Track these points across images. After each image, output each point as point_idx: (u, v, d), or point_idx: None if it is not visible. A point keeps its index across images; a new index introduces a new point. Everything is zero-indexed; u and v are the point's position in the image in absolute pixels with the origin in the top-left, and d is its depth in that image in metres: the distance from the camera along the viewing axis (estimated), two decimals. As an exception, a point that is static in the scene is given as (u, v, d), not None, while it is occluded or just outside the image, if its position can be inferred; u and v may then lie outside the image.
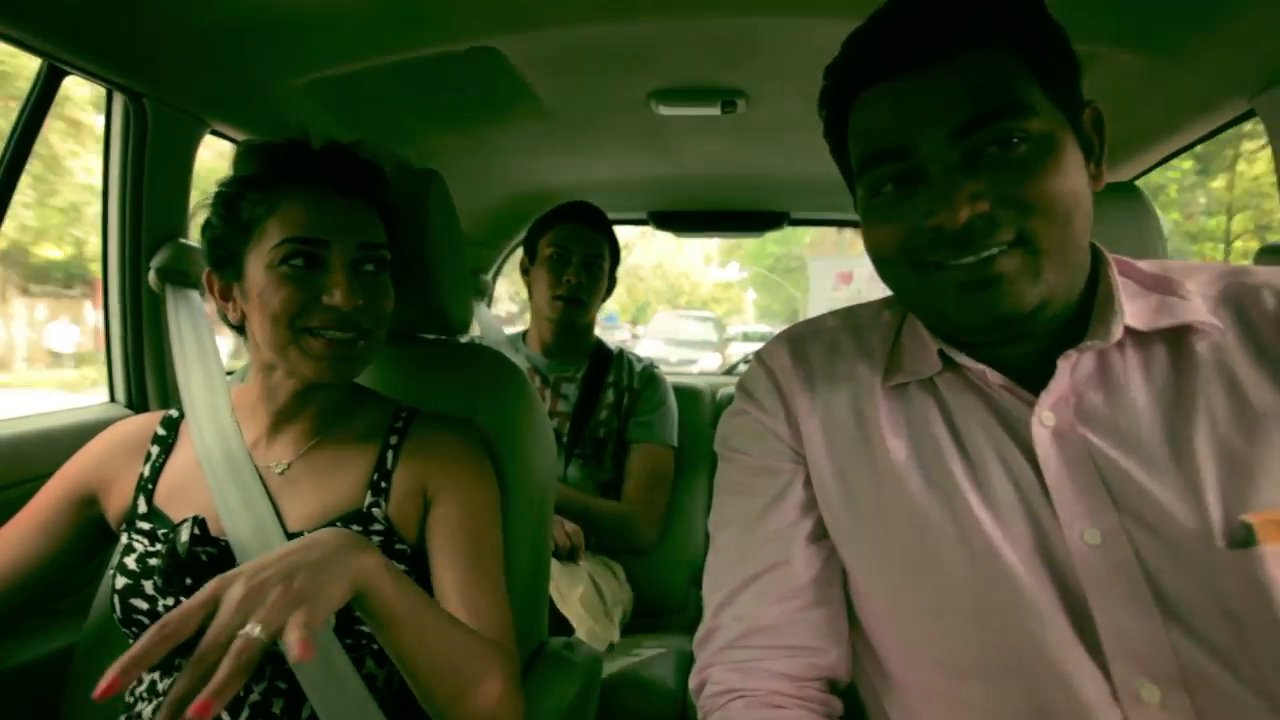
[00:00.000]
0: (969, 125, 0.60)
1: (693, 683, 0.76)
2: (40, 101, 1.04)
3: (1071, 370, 0.65)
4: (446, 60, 1.32)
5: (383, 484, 0.92)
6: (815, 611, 0.72)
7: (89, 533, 0.96)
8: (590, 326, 1.89)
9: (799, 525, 0.74)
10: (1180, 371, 0.64)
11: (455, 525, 0.91)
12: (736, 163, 2.08)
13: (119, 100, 1.17)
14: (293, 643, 0.61)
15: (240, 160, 0.91)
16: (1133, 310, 0.66)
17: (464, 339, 1.90)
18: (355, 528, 0.88)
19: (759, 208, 2.50)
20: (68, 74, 1.06)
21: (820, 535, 0.74)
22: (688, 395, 1.97)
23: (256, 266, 0.86)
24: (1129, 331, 0.65)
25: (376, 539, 0.89)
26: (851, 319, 0.81)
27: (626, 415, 1.80)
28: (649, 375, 1.85)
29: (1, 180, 1.02)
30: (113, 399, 1.31)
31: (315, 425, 0.96)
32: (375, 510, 0.91)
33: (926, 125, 0.61)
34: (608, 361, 1.85)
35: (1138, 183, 1.38)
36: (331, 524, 0.88)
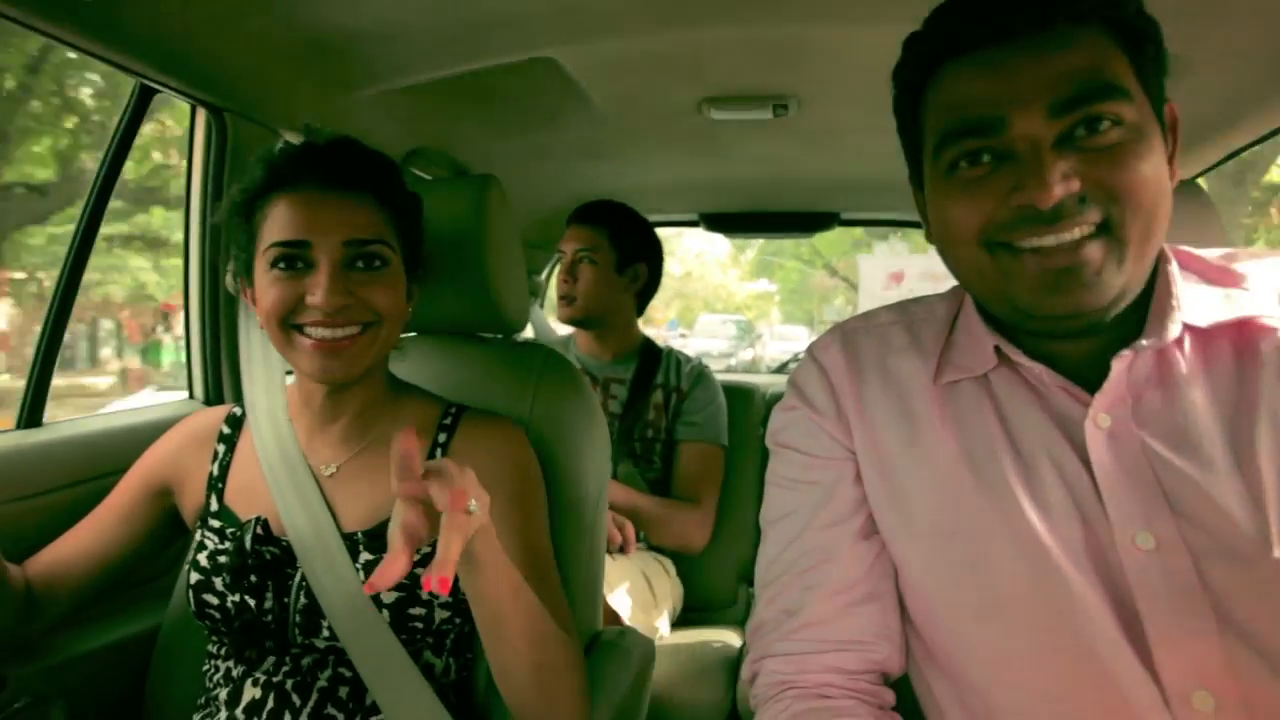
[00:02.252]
0: (1068, 103, 0.59)
1: (745, 673, 0.78)
2: (133, 119, 1.12)
3: (1129, 370, 0.64)
4: (506, 70, 1.36)
5: None
6: (866, 607, 0.73)
7: (165, 522, 1.01)
8: (617, 325, 1.87)
9: (849, 521, 0.74)
10: (1243, 369, 0.62)
11: (506, 524, 0.92)
12: (787, 164, 2.09)
13: (201, 114, 1.24)
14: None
15: (249, 169, 0.93)
16: (1193, 305, 0.64)
17: (518, 337, 1.95)
18: None
19: (809, 208, 2.49)
20: (158, 92, 1.13)
21: (871, 531, 0.74)
22: (738, 394, 1.98)
23: (259, 270, 0.89)
24: (1189, 328, 0.64)
25: None
26: (905, 314, 0.80)
27: (675, 414, 1.82)
28: (698, 374, 1.85)
29: (96, 196, 1.10)
30: (191, 395, 1.38)
31: (357, 425, 0.97)
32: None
33: (1024, 99, 0.60)
34: (656, 361, 1.86)
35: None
36: (384, 523, 0.91)
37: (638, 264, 1.83)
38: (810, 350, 0.82)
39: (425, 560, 0.89)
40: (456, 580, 0.90)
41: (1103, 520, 0.62)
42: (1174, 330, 0.63)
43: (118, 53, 1.03)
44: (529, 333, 2.39)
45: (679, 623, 1.83)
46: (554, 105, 1.59)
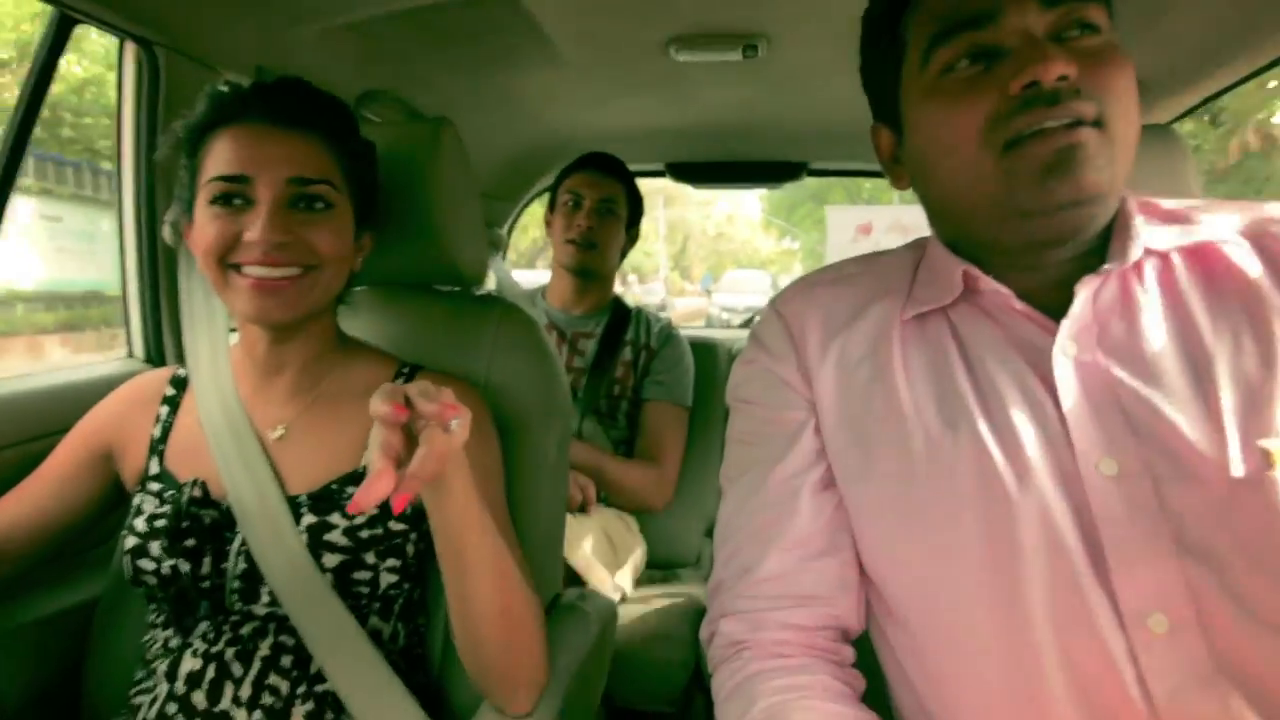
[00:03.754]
0: None
1: (703, 634, 0.77)
2: (51, 51, 1.03)
3: (1094, 298, 0.65)
4: (461, 7, 1.29)
5: None
6: (823, 561, 0.72)
7: (106, 488, 0.97)
8: (607, 278, 1.87)
9: (808, 474, 0.73)
10: (1205, 296, 0.64)
11: None
12: (756, 111, 2.04)
13: (130, 49, 1.15)
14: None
15: (195, 105, 0.88)
16: (1153, 235, 0.66)
17: (478, 291, 1.90)
18: (352, 489, 0.88)
19: (778, 158, 2.45)
20: (78, 23, 1.04)
21: (829, 483, 0.73)
22: (703, 350, 1.96)
23: (198, 208, 0.85)
24: (1151, 256, 0.65)
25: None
26: (871, 263, 0.80)
27: (643, 373, 1.80)
28: (667, 334, 1.84)
29: (18, 131, 1.01)
30: (130, 354, 1.32)
31: (304, 380, 0.94)
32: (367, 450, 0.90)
33: None
34: (626, 319, 1.84)
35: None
36: (330, 485, 0.89)
37: (636, 225, 1.85)
38: (772, 302, 0.81)
39: (371, 520, 0.87)
40: (403, 548, 0.89)
41: (1067, 449, 0.62)
42: (1135, 253, 0.64)
43: None
44: (491, 285, 2.33)
45: (643, 580, 1.83)
46: (512, 45, 1.52)
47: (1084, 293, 0.64)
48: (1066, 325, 0.64)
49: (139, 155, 1.20)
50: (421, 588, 0.97)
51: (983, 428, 0.65)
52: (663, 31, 1.49)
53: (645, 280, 27.30)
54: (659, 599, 1.75)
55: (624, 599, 1.67)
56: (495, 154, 2.21)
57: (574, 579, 1.52)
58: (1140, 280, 0.65)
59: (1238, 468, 0.57)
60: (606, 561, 1.64)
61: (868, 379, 0.72)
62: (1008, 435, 0.64)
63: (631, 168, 2.40)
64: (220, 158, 0.83)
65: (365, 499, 0.59)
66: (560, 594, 1.14)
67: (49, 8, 1.02)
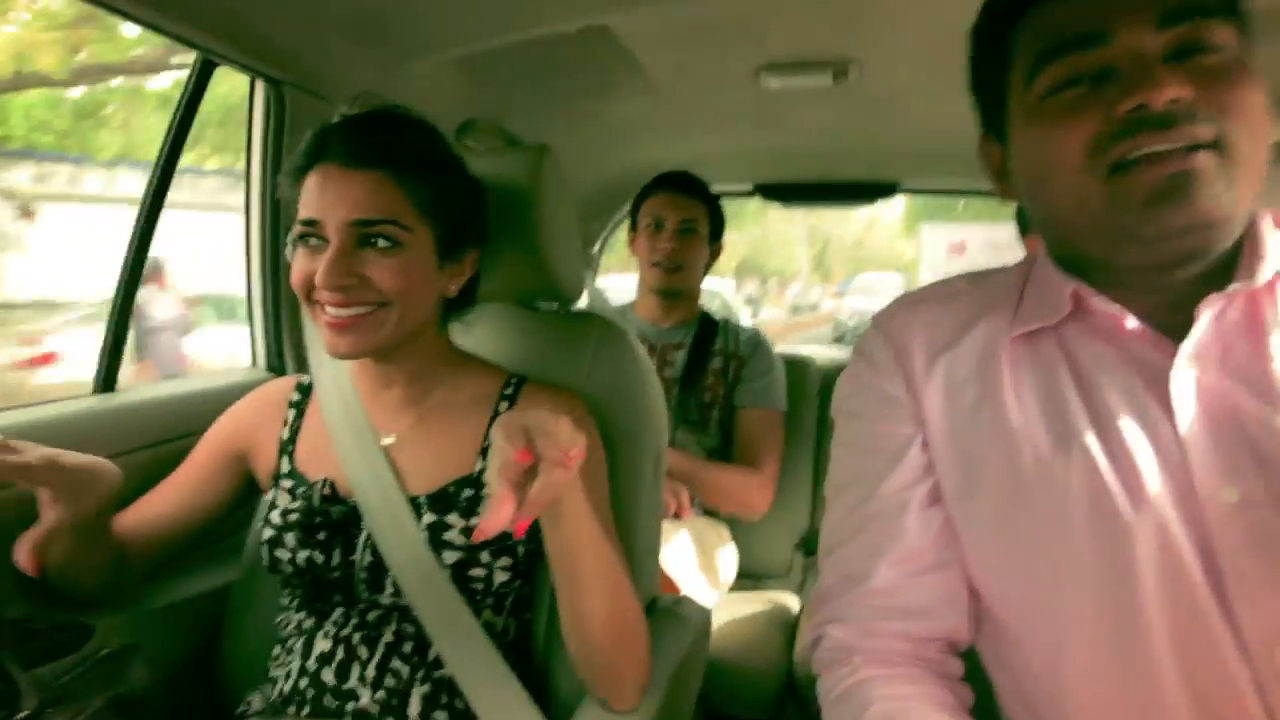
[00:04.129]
0: (1175, 14, 0.58)
1: (807, 638, 0.77)
2: (195, 91, 1.14)
3: (1218, 318, 0.62)
4: (558, 40, 1.35)
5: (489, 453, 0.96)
6: (931, 576, 0.71)
7: (241, 484, 1.06)
8: (693, 294, 1.89)
9: (915, 488, 0.72)
10: None
11: None
12: (845, 133, 2.04)
13: (260, 87, 1.26)
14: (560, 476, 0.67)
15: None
16: None
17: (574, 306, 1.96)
18: (468, 491, 0.93)
19: (868, 178, 2.44)
20: (218, 65, 1.15)
21: (936, 499, 0.73)
22: (794, 364, 1.96)
23: (296, 244, 0.90)
24: (1274, 279, 0.62)
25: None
26: (979, 280, 0.79)
27: (734, 382, 1.81)
28: (755, 342, 1.85)
29: (163, 166, 1.13)
30: (254, 364, 1.42)
31: (412, 393, 0.99)
32: (485, 475, 0.94)
33: (1130, 7, 0.59)
34: (714, 329, 1.86)
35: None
36: (445, 488, 0.94)
37: (718, 240, 1.87)
38: (875, 319, 0.80)
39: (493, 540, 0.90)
40: (515, 547, 0.93)
41: (1185, 473, 0.60)
42: (1265, 274, 0.61)
43: (178, 25, 1.05)
44: (583, 303, 2.39)
45: (735, 589, 1.84)
46: (606, 75, 1.57)
47: (1207, 313, 0.61)
48: (1187, 346, 0.61)
49: (265, 180, 1.31)
50: (530, 584, 1.02)
51: (1095, 448, 0.63)
52: (753, 60, 1.52)
53: (787, 283, 27.86)
54: (751, 608, 1.76)
55: (715, 607, 1.69)
56: (588, 177, 2.27)
57: (666, 584, 1.54)
58: (1272, 301, 0.62)
59: None
60: (700, 568, 1.66)
61: (975, 397, 0.70)
62: (1122, 456, 0.62)
63: (721, 189, 2.44)
64: (304, 200, 0.88)
65: (490, 526, 0.62)
66: (656, 598, 1.17)
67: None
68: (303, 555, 0.93)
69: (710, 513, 1.81)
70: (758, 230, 24.91)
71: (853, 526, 0.75)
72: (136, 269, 1.17)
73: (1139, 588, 0.60)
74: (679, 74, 1.59)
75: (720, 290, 10.56)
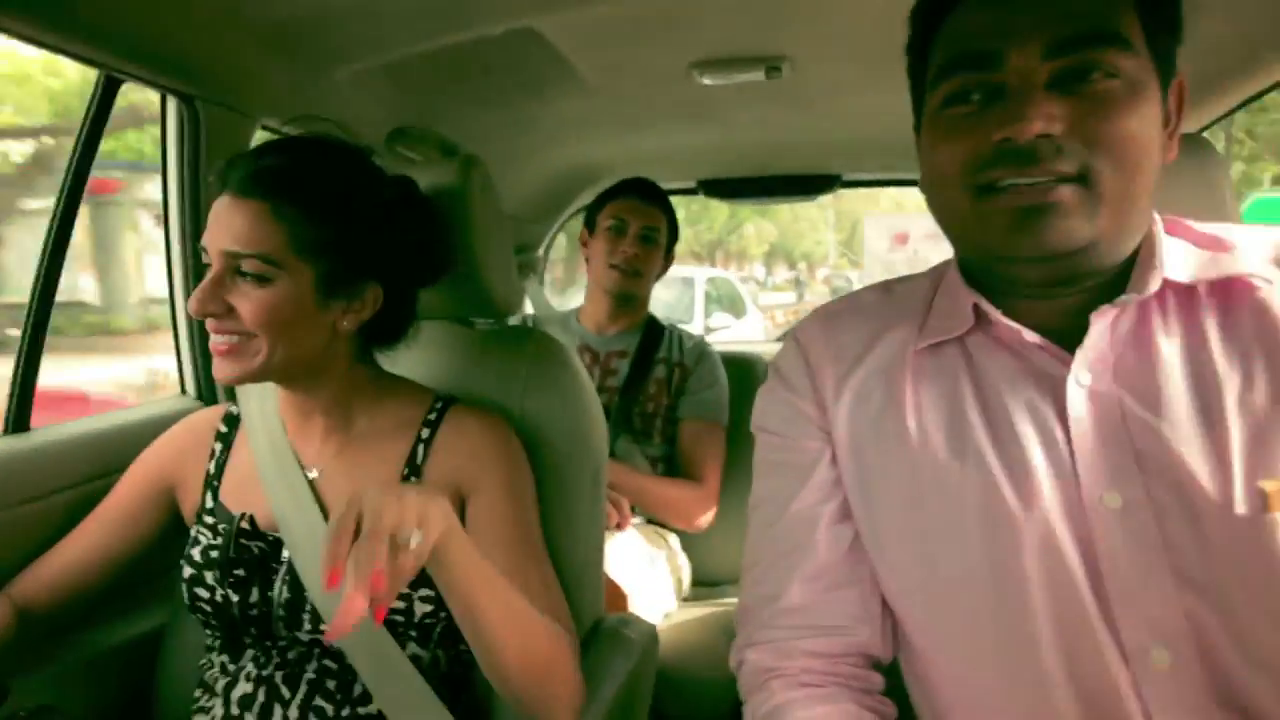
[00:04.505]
0: (1065, 43, 0.59)
1: (732, 661, 0.78)
2: (100, 110, 1.08)
3: (1112, 328, 0.64)
4: (486, 43, 1.32)
5: (412, 478, 0.95)
6: (844, 591, 0.73)
7: (169, 520, 1.02)
8: (644, 300, 1.89)
9: (825, 504, 0.74)
10: (1224, 330, 0.62)
11: (497, 517, 0.93)
12: (785, 128, 2.04)
13: (172, 104, 1.20)
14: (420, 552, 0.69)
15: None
16: (1177, 265, 0.64)
17: (516, 316, 1.93)
18: None
19: (811, 171, 2.45)
20: (123, 82, 1.09)
21: (847, 514, 0.74)
22: (739, 364, 1.96)
23: None
24: (1172, 287, 0.64)
25: None
26: (888, 291, 0.80)
27: (678, 392, 1.80)
28: (701, 351, 1.85)
29: (69, 191, 1.07)
30: (184, 392, 1.36)
31: (334, 422, 0.97)
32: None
33: (1022, 34, 0.60)
34: (659, 337, 1.85)
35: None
36: None
37: (671, 252, 1.87)
38: (792, 332, 0.82)
39: None
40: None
41: (1074, 480, 0.62)
42: (1154, 284, 0.63)
43: (78, 44, 0.99)
44: (528, 308, 2.36)
45: (689, 597, 1.83)
46: (539, 76, 1.54)
47: (1099, 323, 0.63)
48: (1080, 356, 0.64)
49: (183, 201, 1.25)
50: None
51: (990, 457, 0.65)
52: (686, 56, 1.50)
53: (816, 267, 28.40)
54: (703, 616, 1.75)
55: (668, 616, 1.68)
56: (528, 179, 2.24)
57: (615, 595, 1.52)
58: (1162, 311, 0.64)
59: (1240, 506, 0.56)
60: (649, 578, 1.65)
61: (879, 409, 0.72)
62: (1015, 465, 0.64)
63: (664, 186, 2.44)
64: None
65: (341, 626, 0.61)
66: (602, 619, 1.15)
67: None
68: (221, 594, 0.90)
69: (657, 521, 1.79)
70: (788, 216, 25.40)
71: (766, 544, 0.76)
72: (46, 303, 1.11)
73: (1028, 596, 0.62)
74: (612, 73, 1.57)
75: (728, 277, 10.47)
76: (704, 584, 1.89)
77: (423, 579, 0.90)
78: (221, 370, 0.88)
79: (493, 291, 1.08)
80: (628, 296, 1.83)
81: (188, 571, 0.93)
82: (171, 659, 1.06)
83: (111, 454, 1.11)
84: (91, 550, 0.99)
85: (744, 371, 1.94)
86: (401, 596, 0.89)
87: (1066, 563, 0.61)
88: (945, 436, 0.68)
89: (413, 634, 0.92)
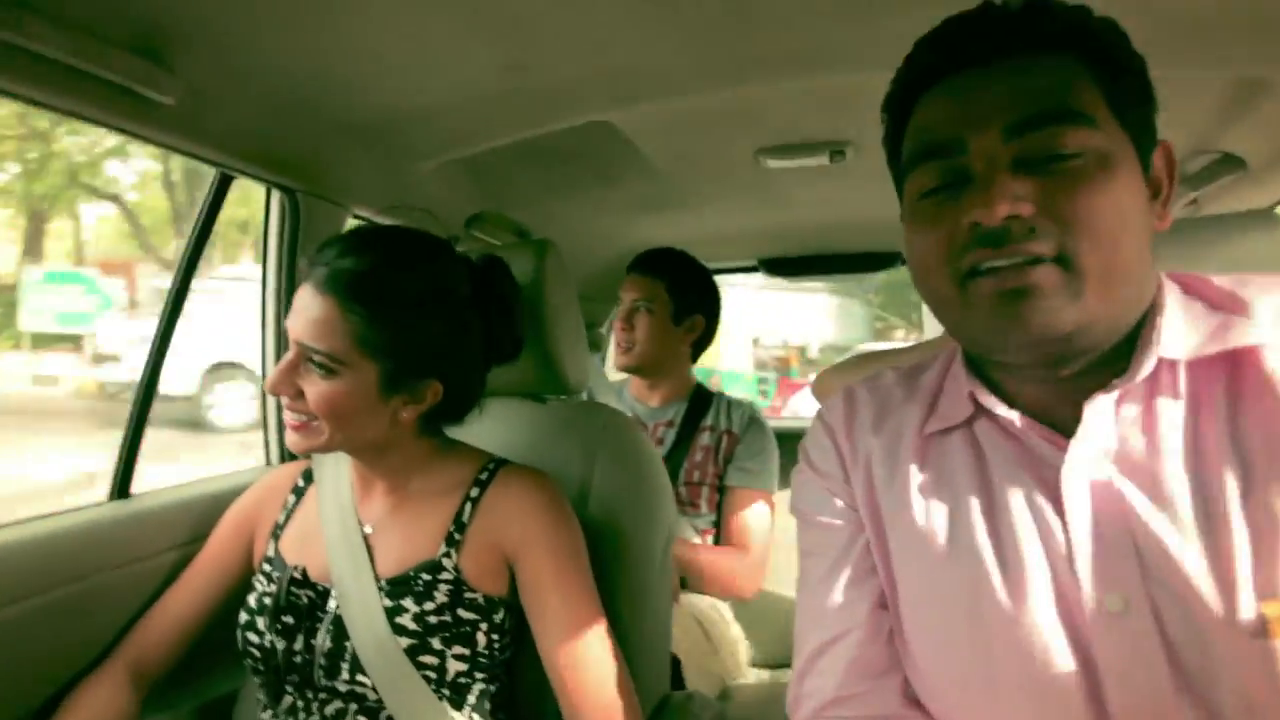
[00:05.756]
0: (1024, 124, 0.59)
1: None
2: (214, 203, 1.18)
3: (1117, 410, 0.61)
4: (561, 134, 1.39)
5: (456, 535, 0.97)
6: (889, 679, 0.70)
7: (252, 573, 1.06)
8: (668, 372, 1.87)
9: (863, 590, 0.72)
10: (1231, 409, 0.58)
11: (543, 575, 0.95)
12: (846, 207, 2.07)
13: (275, 196, 1.30)
14: None
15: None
16: (1184, 337, 0.61)
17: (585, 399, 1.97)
18: (425, 576, 0.95)
19: (869, 249, 2.46)
20: (234, 178, 1.19)
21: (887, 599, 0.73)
22: (792, 438, 1.94)
23: None
24: (1174, 364, 0.60)
25: (445, 588, 0.94)
26: (909, 372, 0.79)
27: (727, 460, 1.79)
28: (750, 419, 1.83)
29: (183, 276, 1.16)
30: (268, 463, 1.43)
31: (395, 483, 1.02)
32: (446, 560, 0.96)
33: (980, 120, 0.60)
34: (706, 405, 1.85)
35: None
36: (409, 572, 0.95)
37: (695, 315, 1.83)
38: (819, 413, 0.81)
39: (440, 608, 0.93)
40: (472, 636, 0.94)
41: (1071, 578, 0.59)
42: (1146, 368, 0.60)
43: (198, 147, 1.09)
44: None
45: (747, 675, 1.78)
46: (610, 164, 1.62)
47: (1093, 410, 0.61)
48: (1074, 445, 0.61)
49: (280, 285, 1.34)
50: (502, 684, 1.01)
51: (984, 551, 0.63)
52: (752, 143, 1.56)
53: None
54: (773, 688, 1.70)
55: (725, 693, 1.64)
56: (594, 259, 2.31)
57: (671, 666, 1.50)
58: (1172, 389, 0.61)
59: (1243, 624, 0.53)
60: (702, 650, 1.62)
61: (889, 496, 0.71)
62: (1009, 561, 0.62)
63: (725, 265, 2.46)
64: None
65: None
66: (669, 696, 1.14)
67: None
68: (269, 639, 0.94)
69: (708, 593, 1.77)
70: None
71: (811, 631, 0.74)
72: (154, 379, 1.19)
73: (1018, 700, 0.60)
74: (681, 160, 1.63)
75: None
76: (765, 664, 1.84)
77: (457, 637, 0.93)
78: (292, 441, 0.95)
79: (564, 369, 1.12)
80: (635, 370, 1.84)
81: (243, 617, 0.98)
82: (251, 713, 1.09)
83: (206, 518, 1.17)
84: (191, 604, 1.05)
85: (792, 444, 1.91)
86: (434, 652, 0.91)
87: (1060, 668, 0.58)
88: (944, 526, 0.66)
89: (446, 692, 0.93)
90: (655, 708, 1.09)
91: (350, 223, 1.43)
